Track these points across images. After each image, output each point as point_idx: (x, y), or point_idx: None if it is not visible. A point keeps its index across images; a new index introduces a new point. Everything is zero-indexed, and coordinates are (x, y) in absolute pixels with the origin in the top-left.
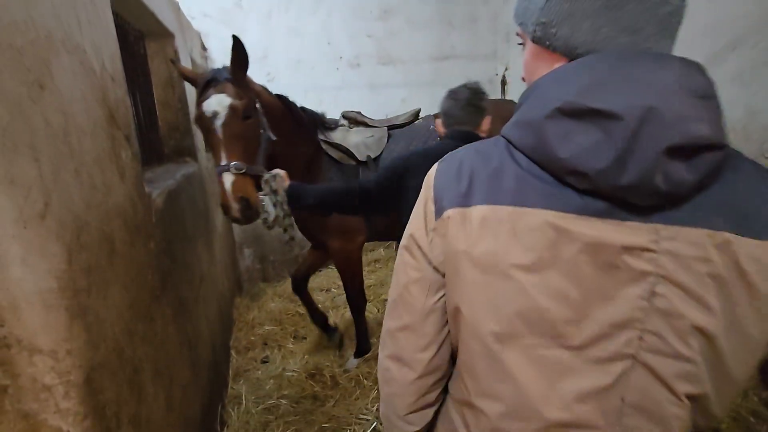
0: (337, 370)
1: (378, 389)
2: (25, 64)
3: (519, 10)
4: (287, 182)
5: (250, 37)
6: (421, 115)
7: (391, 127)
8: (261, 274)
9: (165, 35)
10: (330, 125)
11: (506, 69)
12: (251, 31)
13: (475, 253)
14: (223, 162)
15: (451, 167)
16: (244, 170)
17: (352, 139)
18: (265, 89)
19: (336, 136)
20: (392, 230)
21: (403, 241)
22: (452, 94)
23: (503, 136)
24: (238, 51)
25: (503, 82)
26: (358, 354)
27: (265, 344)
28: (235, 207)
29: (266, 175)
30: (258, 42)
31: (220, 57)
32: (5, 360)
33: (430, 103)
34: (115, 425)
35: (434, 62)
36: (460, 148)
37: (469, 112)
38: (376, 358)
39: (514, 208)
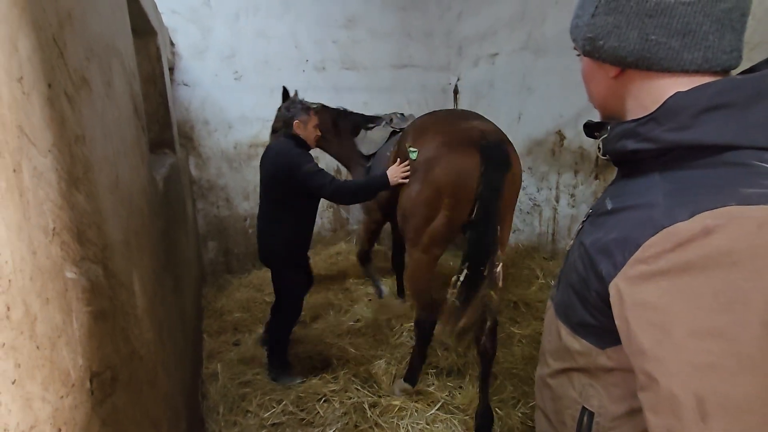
0: (310, 350)
1: (346, 366)
2: (102, 66)
3: (571, 26)
4: None
5: (218, 36)
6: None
7: (398, 130)
8: (225, 266)
9: (149, 33)
10: (371, 126)
11: (458, 80)
12: (219, 30)
13: None
14: None
15: None
16: None
17: (372, 137)
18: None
19: (362, 135)
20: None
21: None
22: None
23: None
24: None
25: (455, 92)
26: None
27: (236, 329)
28: None
29: None
30: (225, 41)
31: (187, 53)
32: (101, 286)
33: (389, 107)
34: (160, 355)
35: (394, 70)
36: None
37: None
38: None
39: None
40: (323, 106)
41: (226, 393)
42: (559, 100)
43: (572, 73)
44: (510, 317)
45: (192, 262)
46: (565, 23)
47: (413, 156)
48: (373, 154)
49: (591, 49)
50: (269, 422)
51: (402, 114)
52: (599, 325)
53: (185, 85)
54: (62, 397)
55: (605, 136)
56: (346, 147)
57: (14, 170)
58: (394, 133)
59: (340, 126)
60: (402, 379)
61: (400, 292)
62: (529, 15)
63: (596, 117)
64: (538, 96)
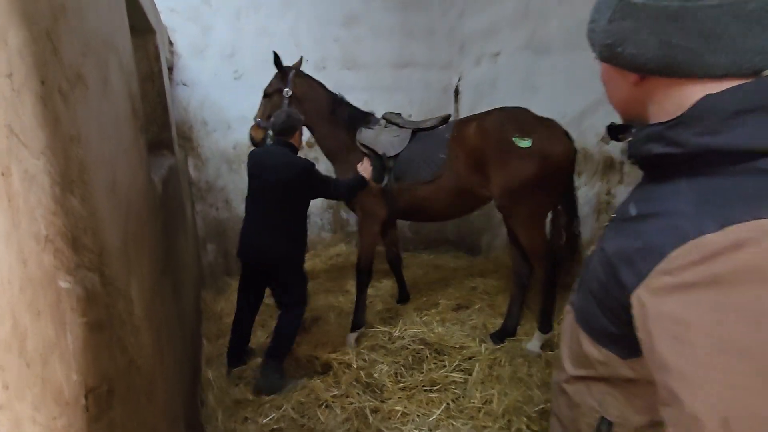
0: (310, 353)
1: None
2: (99, 63)
3: (588, 31)
4: None
5: (218, 35)
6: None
7: (417, 130)
8: (224, 268)
9: (148, 31)
10: (370, 124)
11: (459, 79)
12: (219, 29)
13: None
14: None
15: None
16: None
17: (383, 137)
18: (315, 87)
19: (369, 134)
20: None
21: None
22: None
23: None
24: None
25: (456, 91)
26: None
27: None
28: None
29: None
30: (226, 40)
31: (186, 52)
32: (97, 294)
33: (390, 107)
34: (157, 360)
35: (395, 69)
36: None
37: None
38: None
39: None
40: (322, 86)
41: (224, 398)
42: (562, 99)
43: (576, 72)
44: None
45: (191, 265)
46: (570, 21)
47: (527, 144)
48: (395, 156)
49: (609, 56)
50: (269, 428)
51: (398, 113)
52: (621, 334)
53: (184, 84)
54: (55, 417)
55: (630, 139)
56: (337, 139)
57: (2, 174)
58: (413, 132)
59: (337, 115)
60: (538, 333)
61: (403, 297)
62: (533, 13)
63: (602, 117)
64: (542, 95)
